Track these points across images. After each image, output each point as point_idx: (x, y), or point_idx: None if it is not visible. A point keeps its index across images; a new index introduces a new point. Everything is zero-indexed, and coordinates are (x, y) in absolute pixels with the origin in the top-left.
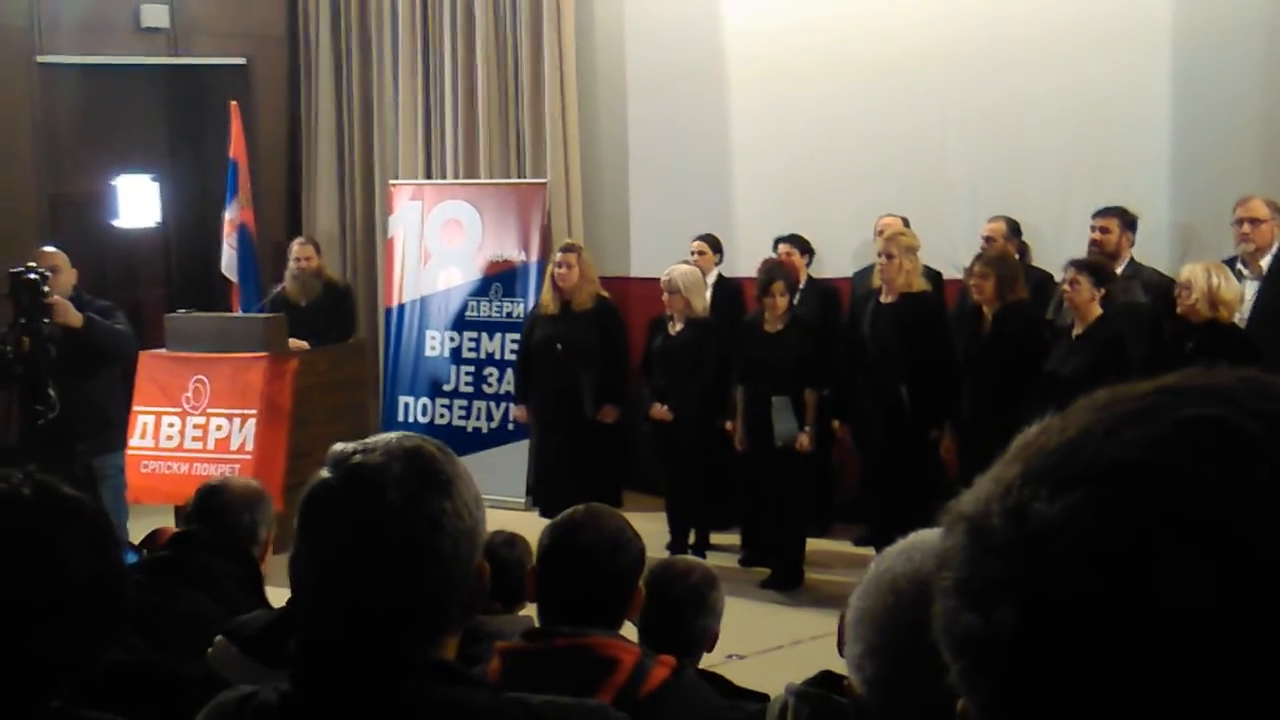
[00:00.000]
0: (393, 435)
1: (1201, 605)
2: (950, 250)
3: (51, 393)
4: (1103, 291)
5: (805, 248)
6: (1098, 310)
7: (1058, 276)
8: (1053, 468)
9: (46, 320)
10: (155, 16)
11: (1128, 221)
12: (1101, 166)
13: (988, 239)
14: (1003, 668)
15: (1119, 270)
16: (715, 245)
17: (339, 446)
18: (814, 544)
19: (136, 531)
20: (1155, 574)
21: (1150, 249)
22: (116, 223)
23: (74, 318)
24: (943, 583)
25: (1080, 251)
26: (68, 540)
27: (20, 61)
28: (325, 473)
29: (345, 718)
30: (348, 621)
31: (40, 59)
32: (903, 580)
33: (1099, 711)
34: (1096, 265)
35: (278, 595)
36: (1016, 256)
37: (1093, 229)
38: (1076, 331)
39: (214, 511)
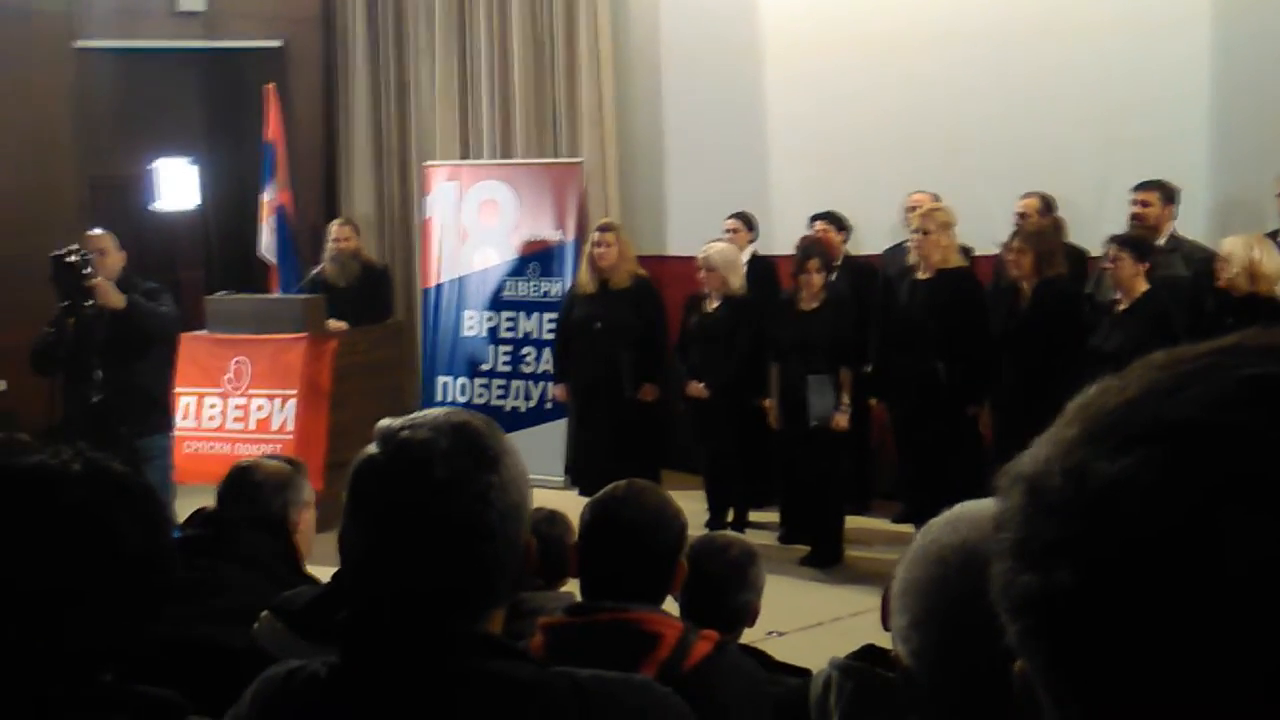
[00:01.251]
0: (440, 410)
1: (1266, 565)
2: (987, 226)
3: (99, 374)
4: (1146, 265)
5: (841, 225)
6: (1143, 285)
7: (1096, 251)
8: (1114, 427)
9: (89, 303)
10: (192, 0)
11: (1169, 195)
12: (1141, 140)
13: (1021, 215)
14: (1062, 628)
15: (1160, 244)
16: (749, 223)
17: (386, 421)
18: (853, 521)
19: (180, 512)
20: (1219, 534)
21: (1191, 222)
22: (155, 206)
23: (115, 299)
24: (1001, 544)
25: (1119, 226)
26: (118, 516)
27: (58, 47)
28: (373, 448)
29: (393, 691)
30: (396, 596)
31: (78, 44)
32: (949, 551)
33: (1159, 671)
34: (1137, 240)
35: (325, 574)
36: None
37: (1133, 203)
38: (1121, 307)
39: (245, 490)
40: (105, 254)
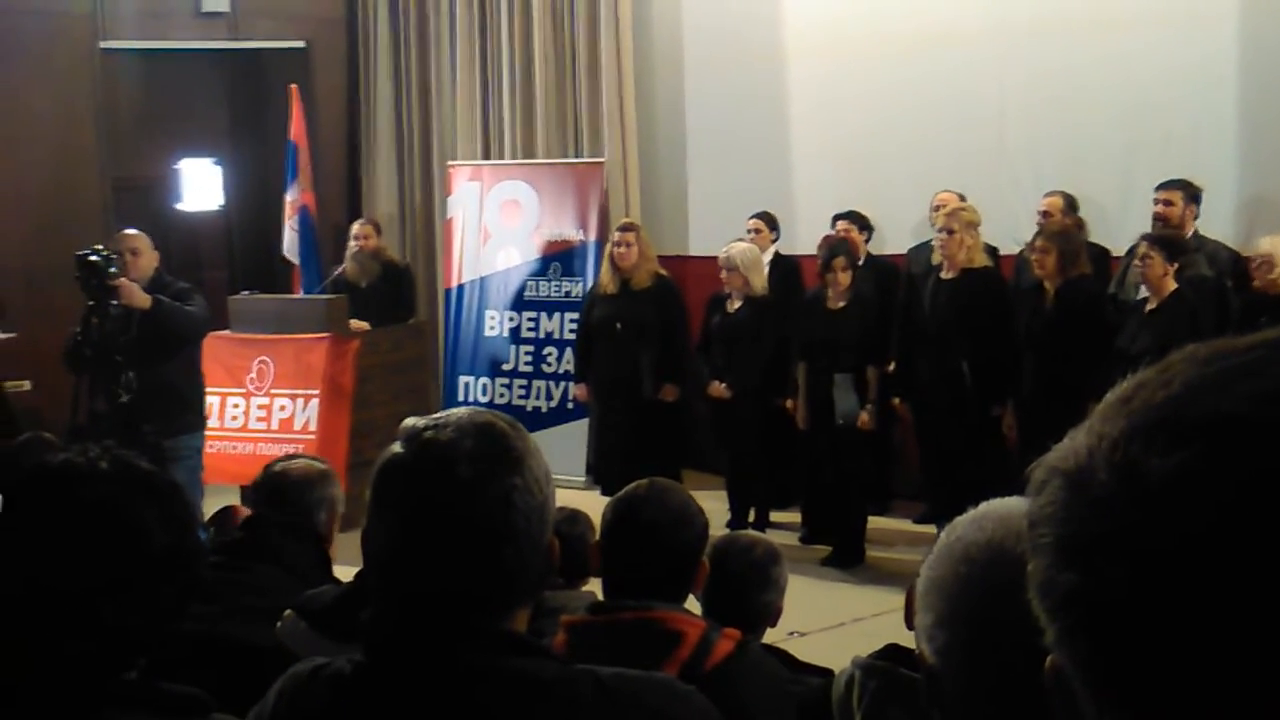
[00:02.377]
0: (464, 410)
1: None
2: (1011, 225)
3: (129, 374)
4: (1176, 265)
5: (864, 224)
6: (1172, 285)
7: (1119, 251)
8: (1163, 421)
9: (115, 302)
10: (216, 1)
11: (1191, 194)
12: (1166, 139)
13: (1044, 214)
14: (1110, 627)
15: None
16: (771, 223)
17: (411, 421)
18: (875, 522)
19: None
20: (1274, 529)
21: (1216, 222)
22: (179, 206)
23: (140, 299)
24: (1039, 540)
25: (1143, 225)
26: (145, 513)
27: (83, 48)
28: (398, 447)
29: (417, 688)
30: (420, 594)
31: (103, 45)
32: (975, 549)
33: (1211, 670)
34: (1169, 240)
35: (346, 573)
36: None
37: (1156, 202)
38: (1150, 307)
39: (280, 494)
40: (138, 254)
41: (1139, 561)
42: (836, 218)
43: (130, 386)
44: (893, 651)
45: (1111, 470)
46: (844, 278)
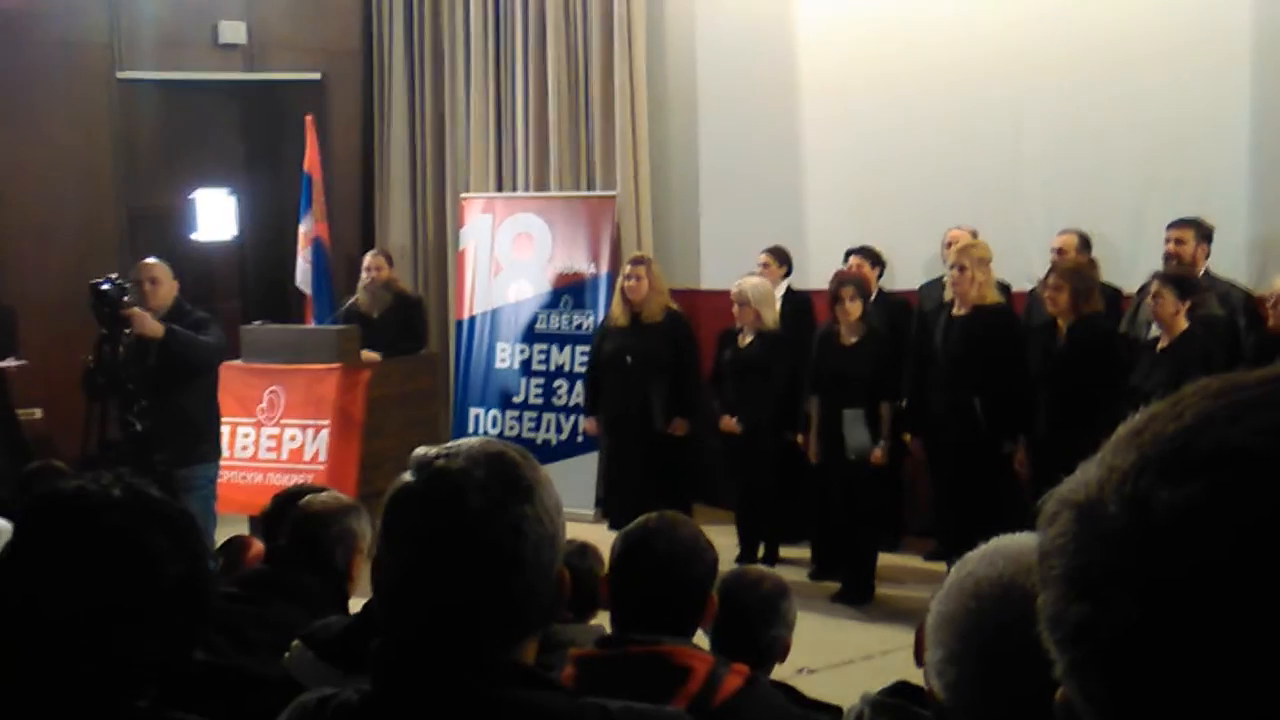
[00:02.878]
0: (475, 440)
1: None
2: (1023, 263)
3: (145, 403)
4: (1187, 304)
5: (876, 259)
6: (1184, 323)
7: (1132, 290)
8: (1173, 455)
9: (127, 331)
10: (233, 32)
11: (1204, 233)
12: (1179, 178)
13: (1058, 251)
14: (1122, 659)
15: None
16: (782, 258)
17: (422, 450)
18: (885, 559)
19: (216, 540)
20: None
21: (1229, 261)
22: (194, 236)
23: (152, 328)
24: (1050, 572)
25: (1157, 264)
26: (156, 542)
27: (101, 78)
28: (408, 476)
29: (425, 718)
30: (429, 624)
31: (120, 75)
32: (985, 584)
33: (1221, 702)
34: (1180, 278)
35: (354, 604)
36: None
37: (1167, 240)
38: (1162, 345)
39: (300, 527)
40: (158, 283)
41: (1149, 594)
42: (849, 253)
43: (144, 415)
44: (903, 688)
45: (1121, 502)
46: (853, 308)
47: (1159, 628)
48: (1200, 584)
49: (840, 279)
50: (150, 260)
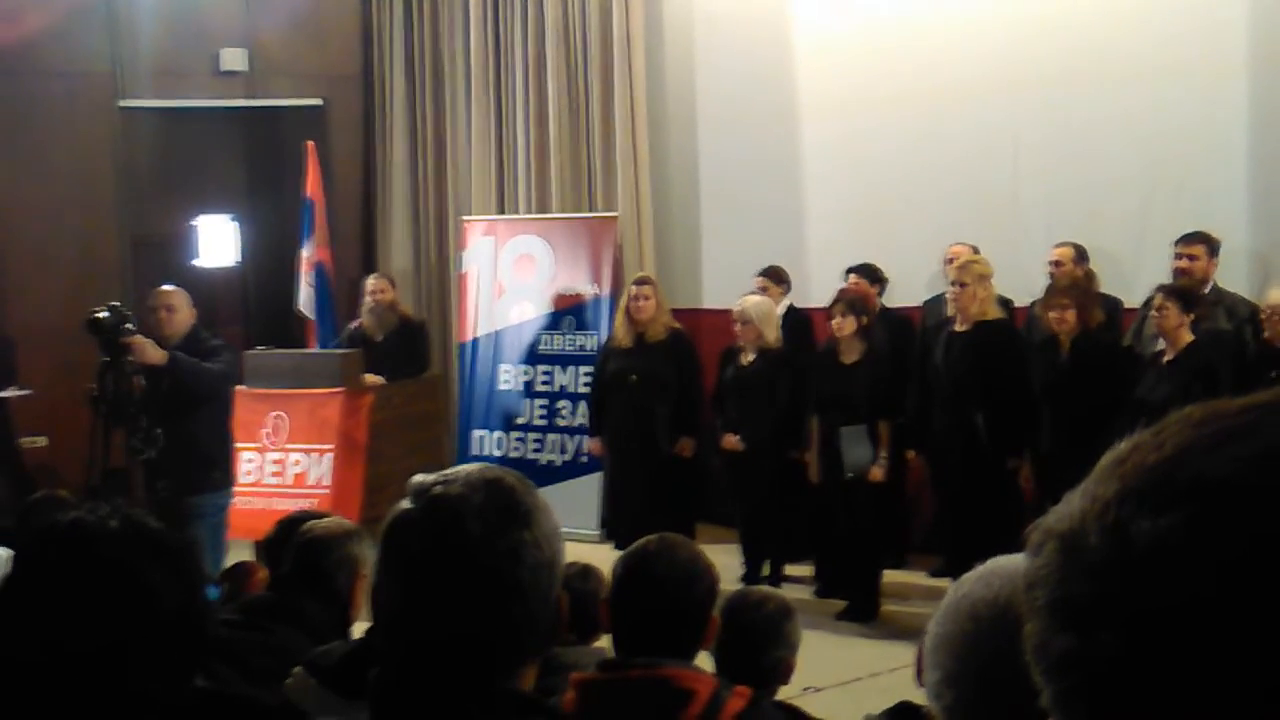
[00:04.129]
0: (473, 467)
1: None
2: (1025, 278)
3: (157, 431)
4: (1191, 317)
5: (875, 277)
6: (1188, 336)
7: (1133, 303)
8: (1153, 485)
9: (130, 359)
10: (233, 60)
11: (1213, 247)
12: (1180, 191)
13: (1055, 264)
14: (1102, 689)
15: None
16: (778, 278)
17: (419, 477)
18: (890, 576)
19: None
20: (1263, 593)
21: (1230, 274)
22: (196, 262)
23: (154, 356)
24: (1034, 602)
25: (1160, 277)
26: (153, 573)
27: (102, 106)
28: (406, 503)
29: None
30: (427, 651)
31: (122, 103)
32: (982, 606)
33: None
34: (1184, 291)
35: (355, 630)
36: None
37: (1179, 256)
38: (1167, 358)
39: (302, 553)
40: (173, 310)
41: (1129, 625)
42: (849, 271)
43: (156, 442)
44: (905, 709)
45: (1101, 533)
46: (845, 324)
47: (1141, 660)
48: (1180, 616)
49: (836, 299)
50: (167, 287)
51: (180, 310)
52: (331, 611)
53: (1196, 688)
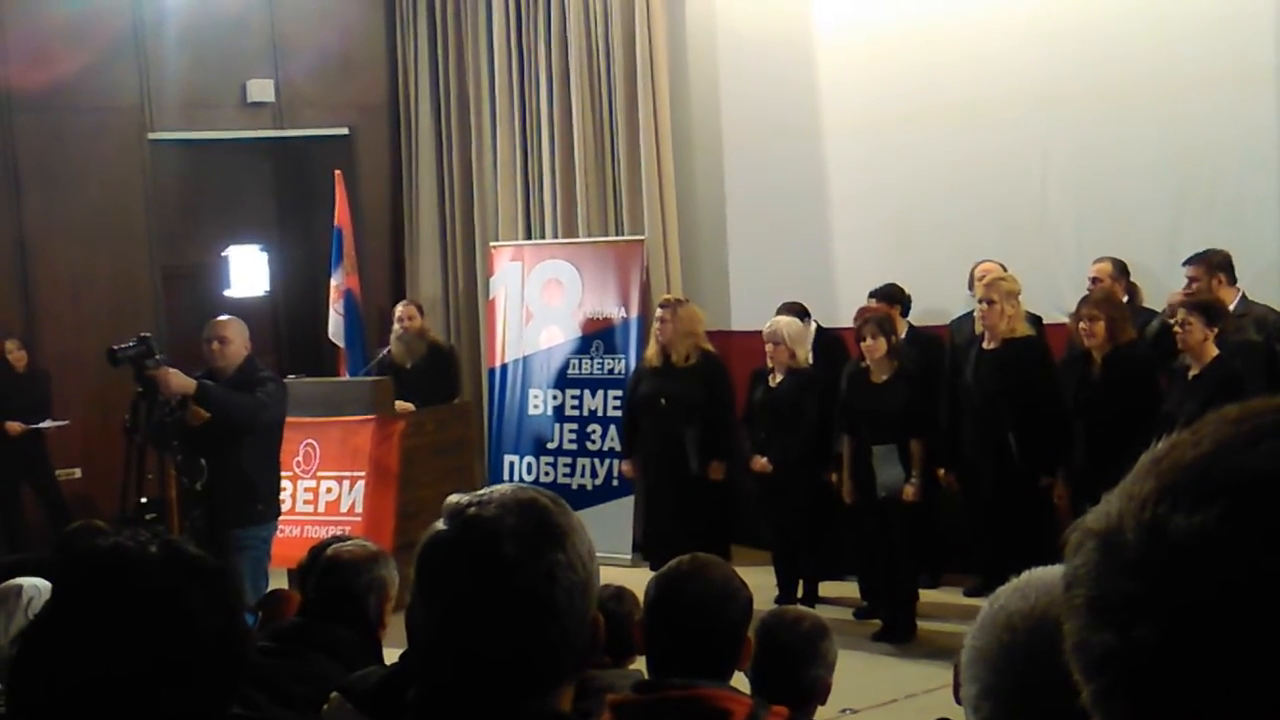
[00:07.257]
0: (507, 487)
1: None
2: (1055, 295)
3: (202, 462)
4: (1215, 330)
5: (895, 298)
6: (1213, 350)
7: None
8: (1190, 482)
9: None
10: (261, 91)
11: (1214, 264)
12: (1210, 205)
13: (1094, 279)
14: (1142, 686)
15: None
16: (800, 313)
17: (454, 498)
18: (925, 595)
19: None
20: None
21: (1262, 286)
22: (227, 293)
23: (180, 385)
24: (1074, 601)
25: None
26: (194, 599)
27: (132, 139)
28: (441, 525)
29: None
30: (464, 673)
31: (151, 136)
32: (1018, 617)
33: None
34: (1207, 305)
35: (391, 655)
36: (1125, 298)
37: (1187, 279)
38: (1193, 373)
39: (330, 578)
40: (226, 342)
41: (1168, 620)
42: (871, 295)
43: (201, 473)
44: None
45: (1139, 530)
46: (877, 345)
47: (1179, 655)
48: (1218, 609)
49: (862, 317)
50: (223, 318)
51: (233, 342)
52: (362, 635)
53: (1236, 680)
